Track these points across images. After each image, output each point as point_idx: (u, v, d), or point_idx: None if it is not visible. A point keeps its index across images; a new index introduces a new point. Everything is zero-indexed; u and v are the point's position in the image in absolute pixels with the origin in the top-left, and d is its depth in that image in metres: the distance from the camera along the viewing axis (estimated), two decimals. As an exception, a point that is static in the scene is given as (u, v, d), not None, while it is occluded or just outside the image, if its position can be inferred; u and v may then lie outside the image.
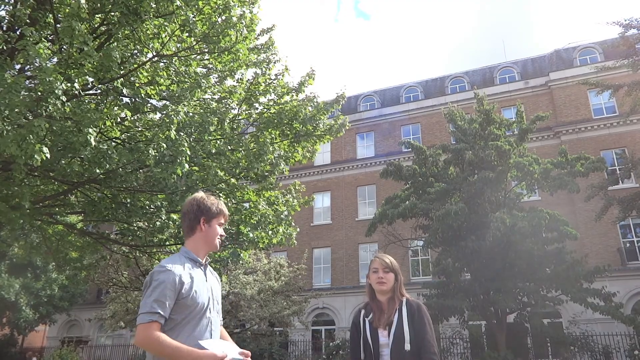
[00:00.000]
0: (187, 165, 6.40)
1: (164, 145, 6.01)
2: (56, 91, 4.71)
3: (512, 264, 14.61)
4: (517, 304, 14.65)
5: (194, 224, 2.46)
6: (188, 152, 6.29)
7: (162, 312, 2.17)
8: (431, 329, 2.85)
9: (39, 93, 4.78)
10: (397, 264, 3.06)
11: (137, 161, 6.26)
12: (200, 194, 2.54)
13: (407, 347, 2.74)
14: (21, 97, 4.73)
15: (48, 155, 4.89)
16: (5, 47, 6.32)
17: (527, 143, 16.39)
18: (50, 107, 4.79)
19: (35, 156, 4.70)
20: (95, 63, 5.30)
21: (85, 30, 5.21)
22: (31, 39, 4.83)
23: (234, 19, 7.41)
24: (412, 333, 2.78)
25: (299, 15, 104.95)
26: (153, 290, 2.20)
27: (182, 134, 6.45)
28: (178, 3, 6.24)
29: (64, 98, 4.88)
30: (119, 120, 7.08)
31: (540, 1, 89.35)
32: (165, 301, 2.18)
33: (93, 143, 5.21)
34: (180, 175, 6.36)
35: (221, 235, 2.52)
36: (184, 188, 6.81)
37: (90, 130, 5.13)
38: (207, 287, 2.39)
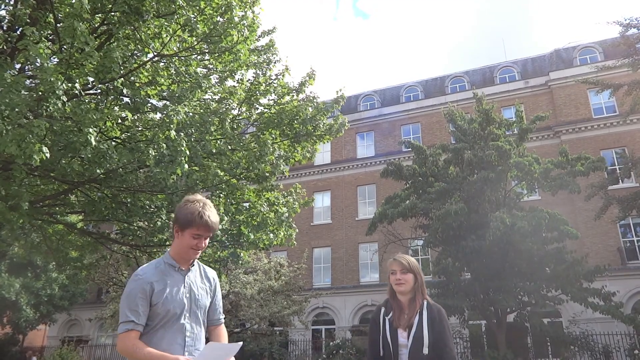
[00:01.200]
0: (186, 166, 6.40)
1: (164, 146, 6.00)
2: (57, 91, 4.70)
3: (512, 263, 14.62)
4: (517, 304, 14.66)
5: (173, 229, 2.46)
6: (187, 152, 6.28)
7: (136, 320, 2.21)
8: (451, 335, 2.88)
9: (40, 93, 4.78)
10: (416, 264, 3.04)
11: (137, 161, 6.26)
12: (186, 198, 2.44)
13: (426, 350, 2.76)
14: (22, 97, 4.73)
15: (48, 155, 4.88)
16: (5, 47, 6.33)
17: (527, 143, 16.39)
18: (50, 107, 4.79)
19: (35, 156, 4.69)
20: (96, 63, 5.29)
21: (86, 31, 5.19)
22: (32, 39, 4.82)
23: (236, 19, 7.40)
24: (432, 337, 2.79)
25: (298, 14, 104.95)
26: (125, 299, 2.26)
27: (181, 134, 6.44)
28: (180, 3, 6.23)
29: (64, 98, 4.88)
30: (119, 120, 7.08)
31: (540, 1, 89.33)
32: (137, 309, 2.22)
33: (93, 143, 5.20)
34: (180, 175, 6.35)
35: (197, 247, 2.35)
36: (184, 188, 6.81)
37: (90, 130, 5.13)
38: (184, 292, 2.36)
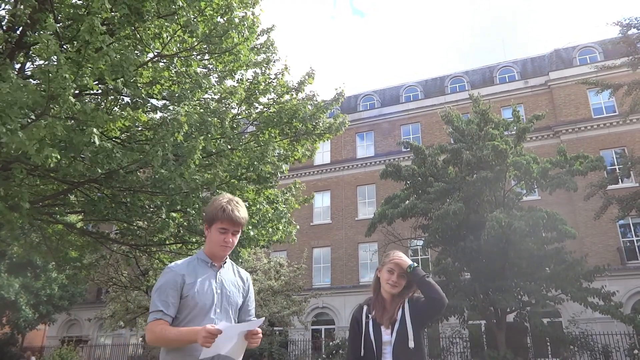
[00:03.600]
0: (194, 168, 6.42)
1: (170, 147, 6.01)
2: (67, 90, 4.68)
3: (512, 263, 14.62)
4: (517, 304, 14.66)
5: (204, 227, 2.52)
6: (199, 155, 6.31)
7: (164, 310, 2.25)
8: (431, 280, 2.82)
9: (51, 91, 4.75)
10: None
11: (139, 161, 6.26)
12: (214, 197, 2.56)
13: (412, 344, 2.72)
14: (28, 95, 4.70)
15: (58, 156, 4.88)
16: (5, 48, 6.32)
17: (526, 142, 16.41)
18: (60, 105, 4.77)
19: (53, 155, 4.69)
20: (109, 62, 5.28)
21: (104, 29, 5.17)
22: (45, 32, 4.80)
23: (236, 20, 7.40)
24: (416, 330, 2.76)
25: (296, 13, 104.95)
26: (156, 291, 2.32)
27: (195, 138, 6.44)
28: (180, 3, 6.23)
29: (72, 99, 4.87)
30: (126, 122, 7.07)
31: (540, 1, 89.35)
32: (167, 300, 2.27)
33: (97, 143, 5.20)
34: (187, 177, 6.37)
35: (225, 242, 2.41)
36: (187, 190, 6.81)
37: (94, 130, 5.12)
38: (216, 287, 2.40)
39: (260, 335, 2.30)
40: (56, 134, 4.73)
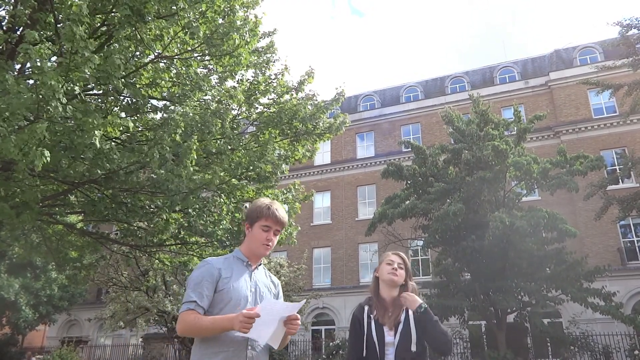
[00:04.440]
0: (192, 169, 6.40)
1: (168, 148, 6.00)
2: (57, 94, 4.68)
3: (512, 263, 14.61)
4: (517, 304, 14.65)
5: (244, 228, 2.55)
6: (195, 156, 6.30)
7: (198, 301, 2.22)
8: (439, 323, 2.83)
9: (41, 95, 4.75)
10: (410, 265, 3.03)
11: (139, 162, 6.25)
12: (256, 199, 2.59)
13: (414, 348, 2.71)
14: (22, 100, 4.70)
15: (49, 159, 4.86)
16: (5, 48, 6.31)
17: (527, 143, 16.38)
18: (51, 110, 4.76)
19: (36, 162, 4.68)
20: (95, 68, 5.26)
21: (86, 35, 5.16)
22: (31, 39, 4.79)
23: (238, 22, 7.39)
24: (419, 334, 2.75)
25: (295, 13, 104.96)
26: (191, 282, 2.30)
27: (191, 137, 6.43)
28: (181, 5, 6.21)
29: (64, 100, 4.86)
30: (122, 127, 7.07)
31: (540, 1, 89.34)
32: (202, 291, 2.25)
33: (98, 145, 5.19)
34: (184, 178, 6.35)
35: (267, 240, 2.44)
36: (186, 190, 6.80)
37: (96, 132, 5.12)
38: (250, 285, 2.40)
39: (299, 322, 2.29)
40: (40, 138, 4.71)
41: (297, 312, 2.29)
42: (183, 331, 2.25)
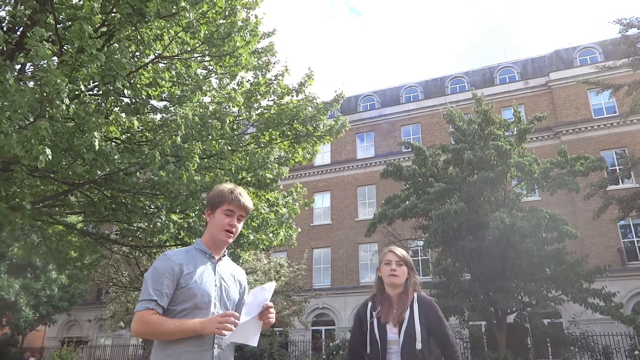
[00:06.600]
0: (193, 172, 6.40)
1: (168, 150, 6.00)
2: (61, 93, 4.67)
3: (513, 264, 14.61)
4: (517, 304, 14.64)
5: (204, 216, 2.41)
6: (197, 159, 6.30)
7: (158, 301, 2.08)
8: (448, 326, 2.81)
9: (45, 94, 4.75)
10: (410, 258, 2.96)
11: (139, 163, 6.26)
12: (217, 185, 2.40)
13: (419, 346, 2.67)
14: (25, 99, 4.71)
15: (50, 157, 4.86)
16: (5, 48, 6.31)
17: (527, 143, 16.37)
18: (55, 109, 4.77)
19: (40, 157, 4.68)
20: (101, 66, 5.25)
21: (93, 33, 5.18)
22: (39, 36, 4.79)
23: (239, 23, 7.38)
24: (424, 331, 2.71)
25: (293, 14, 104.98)
26: (150, 278, 2.14)
27: (192, 140, 6.42)
28: (183, 4, 6.21)
29: (67, 101, 4.86)
30: (124, 127, 7.07)
31: (541, 1, 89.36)
32: (161, 289, 2.10)
33: (97, 147, 5.19)
34: (186, 180, 6.35)
35: (230, 226, 2.27)
36: (186, 193, 6.79)
37: (95, 133, 5.11)
38: (215, 279, 2.25)
39: (274, 311, 2.21)
40: (44, 135, 4.71)
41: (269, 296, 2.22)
42: (141, 332, 2.10)
